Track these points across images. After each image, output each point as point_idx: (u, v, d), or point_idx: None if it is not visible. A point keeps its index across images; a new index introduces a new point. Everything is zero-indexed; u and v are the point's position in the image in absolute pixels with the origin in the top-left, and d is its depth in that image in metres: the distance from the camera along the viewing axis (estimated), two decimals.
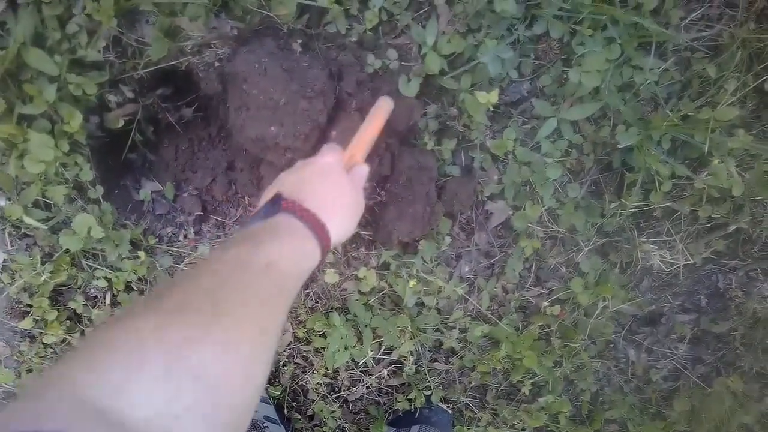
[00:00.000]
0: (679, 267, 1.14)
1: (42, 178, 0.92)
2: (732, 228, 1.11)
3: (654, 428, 1.26)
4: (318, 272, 1.04)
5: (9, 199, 0.94)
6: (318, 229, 0.59)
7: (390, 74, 0.95)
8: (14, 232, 0.96)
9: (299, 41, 0.86)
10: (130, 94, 0.93)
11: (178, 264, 1.01)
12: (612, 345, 1.22)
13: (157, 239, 1.00)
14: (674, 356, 1.25)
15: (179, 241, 1.00)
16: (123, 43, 0.88)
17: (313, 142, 0.87)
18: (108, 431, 0.31)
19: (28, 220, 0.93)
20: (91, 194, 0.95)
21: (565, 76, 0.96)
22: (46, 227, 0.94)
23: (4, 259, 0.97)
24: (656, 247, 1.11)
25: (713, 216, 1.09)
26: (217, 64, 0.87)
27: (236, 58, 0.81)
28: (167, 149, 1.04)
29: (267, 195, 0.64)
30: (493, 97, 0.92)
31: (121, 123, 0.95)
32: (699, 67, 0.99)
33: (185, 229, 1.00)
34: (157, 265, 0.99)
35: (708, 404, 1.25)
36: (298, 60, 0.82)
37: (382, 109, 0.80)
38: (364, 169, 0.75)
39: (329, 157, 0.69)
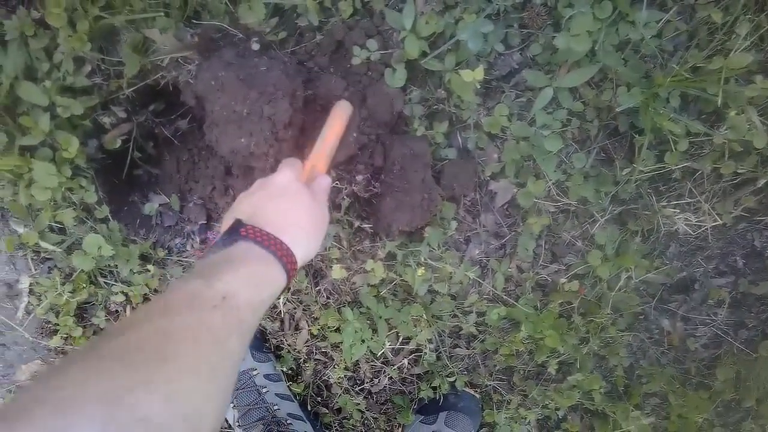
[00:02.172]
0: (707, 229, 1.07)
1: (51, 203, 0.96)
2: (762, 182, 1.02)
3: (698, 399, 1.20)
4: (325, 269, 1.05)
5: (26, 226, 0.99)
6: (280, 251, 0.59)
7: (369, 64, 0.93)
8: (35, 257, 1.02)
9: (256, 40, 0.85)
10: (122, 114, 0.96)
11: None
12: (642, 316, 1.16)
13: (166, 251, 1.03)
14: (713, 322, 1.17)
15: (187, 251, 1.03)
16: (106, 65, 0.91)
17: (292, 142, 0.87)
18: None
19: (44, 244, 0.98)
20: (98, 214, 0.98)
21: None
22: (62, 250, 0.99)
23: (30, 283, 1.03)
24: (678, 210, 1.04)
25: (739, 171, 1.01)
26: (190, 80, 0.88)
27: (198, 77, 0.82)
28: (169, 162, 1.06)
29: (226, 220, 0.64)
30: (479, 74, 0.88)
31: (119, 143, 0.98)
32: (704, 13, 0.91)
33: (192, 239, 1.03)
34: (168, 275, 1.03)
35: (755, 370, 1.18)
36: (256, 65, 0.80)
37: (339, 115, 0.78)
38: (325, 180, 0.73)
39: (285, 174, 0.68)
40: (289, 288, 0.59)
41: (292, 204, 0.65)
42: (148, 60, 0.88)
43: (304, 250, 0.63)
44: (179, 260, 1.03)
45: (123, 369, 0.38)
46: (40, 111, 0.90)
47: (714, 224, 1.05)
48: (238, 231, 0.59)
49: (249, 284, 0.53)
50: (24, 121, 0.89)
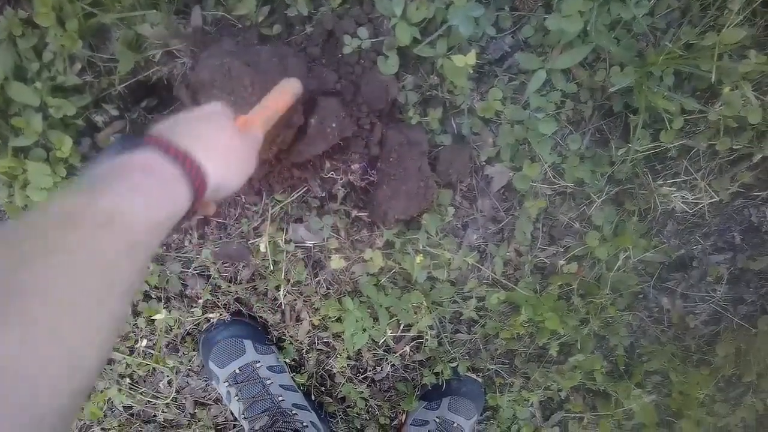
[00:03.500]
0: (704, 206, 1.07)
1: None
2: (758, 157, 1.02)
3: (698, 375, 1.21)
4: (324, 259, 1.05)
5: None
6: (189, 165, 0.50)
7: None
8: None
9: (256, 33, 0.85)
10: (114, 112, 0.95)
11: (187, 269, 1.04)
12: (642, 296, 1.17)
13: (164, 247, 1.03)
14: (712, 299, 1.18)
15: (185, 246, 1.03)
16: (96, 62, 0.90)
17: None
18: None
19: None
20: None
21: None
22: None
23: None
24: (675, 188, 1.05)
25: (734, 147, 1.01)
26: (185, 73, 0.88)
27: (199, 67, 0.81)
28: None
29: None
30: (470, 59, 0.88)
31: (112, 140, 0.97)
32: None
33: (189, 234, 1.02)
34: (168, 272, 1.03)
35: (755, 345, 1.18)
36: (258, 53, 0.80)
37: (285, 89, 0.74)
38: (257, 134, 0.66)
39: (217, 105, 0.62)
40: (193, 213, 0.53)
41: (215, 127, 0.58)
42: (141, 56, 0.87)
43: (218, 175, 0.55)
44: (177, 256, 1.03)
45: None
46: (32, 111, 0.89)
47: (711, 201, 1.06)
48: (141, 137, 0.51)
49: (146, 200, 0.45)
50: (16, 122, 0.88)
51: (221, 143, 0.57)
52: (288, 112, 0.75)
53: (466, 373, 1.17)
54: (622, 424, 1.27)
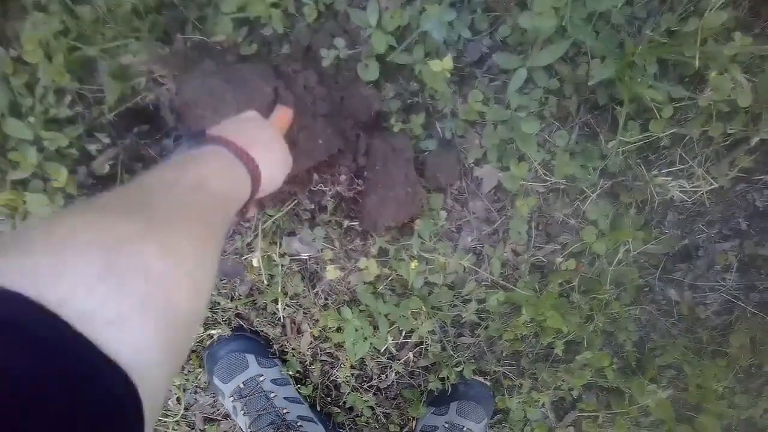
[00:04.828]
0: (703, 194, 1.04)
1: None
2: (755, 141, 1.00)
3: (715, 367, 1.18)
4: (320, 270, 1.06)
5: None
6: (247, 159, 0.58)
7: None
8: None
9: (235, 54, 0.87)
10: (106, 140, 0.98)
11: None
12: (647, 289, 1.14)
13: None
14: (723, 288, 1.15)
15: None
16: (85, 93, 0.93)
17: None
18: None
19: None
20: None
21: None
22: None
23: None
24: (671, 178, 1.02)
25: (729, 132, 0.98)
26: (170, 98, 0.90)
27: (183, 88, 0.83)
28: None
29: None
30: (447, 63, 0.88)
31: (107, 168, 1.00)
32: None
33: None
34: None
35: None
36: (237, 71, 0.82)
37: (284, 112, 0.81)
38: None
39: (254, 113, 0.72)
40: (246, 209, 0.62)
41: (259, 129, 0.67)
42: (128, 84, 0.90)
43: (268, 170, 0.62)
44: None
45: (120, 220, 0.37)
46: (27, 145, 0.93)
47: (710, 188, 1.03)
48: (202, 135, 0.60)
49: (220, 176, 0.53)
50: (13, 156, 0.92)
51: (266, 143, 0.65)
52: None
53: (473, 377, 1.16)
54: (639, 420, 1.24)
